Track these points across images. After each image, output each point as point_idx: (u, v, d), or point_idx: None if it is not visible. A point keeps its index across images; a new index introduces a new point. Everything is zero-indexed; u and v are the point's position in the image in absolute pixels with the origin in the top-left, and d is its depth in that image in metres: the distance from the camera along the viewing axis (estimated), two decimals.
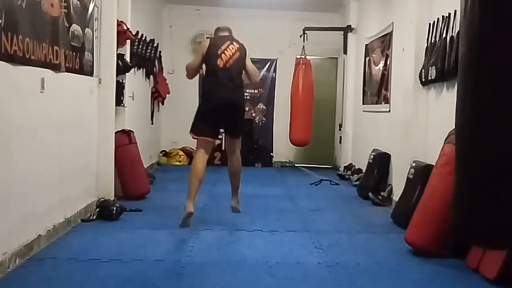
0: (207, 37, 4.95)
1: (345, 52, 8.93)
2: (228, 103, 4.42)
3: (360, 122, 8.20)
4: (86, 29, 4.67)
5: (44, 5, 3.71)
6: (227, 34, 4.66)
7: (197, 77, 4.92)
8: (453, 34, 4.51)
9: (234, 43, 4.54)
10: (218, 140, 4.62)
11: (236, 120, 4.62)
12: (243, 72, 4.61)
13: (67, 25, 4.20)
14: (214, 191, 5.33)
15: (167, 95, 9.16)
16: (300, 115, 8.41)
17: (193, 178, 4.41)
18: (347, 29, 8.73)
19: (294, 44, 9.10)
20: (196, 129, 4.52)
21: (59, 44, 4.00)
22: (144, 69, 7.88)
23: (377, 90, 7.08)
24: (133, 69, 6.57)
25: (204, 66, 4.59)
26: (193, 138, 4.57)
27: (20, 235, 3.50)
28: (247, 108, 9.94)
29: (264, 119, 10.05)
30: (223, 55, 4.40)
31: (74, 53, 4.35)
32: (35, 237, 3.72)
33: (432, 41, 4.99)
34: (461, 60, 2.33)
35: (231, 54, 4.43)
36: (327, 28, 8.93)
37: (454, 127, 2.46)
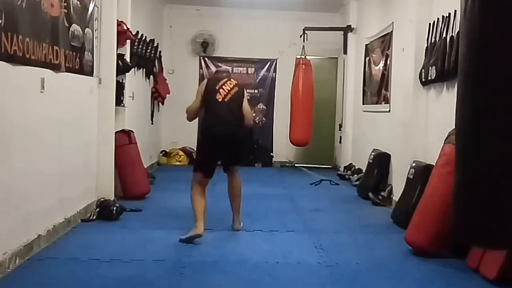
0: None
1: (345, 52, 8.93)
2: (229, 140, 4.39)
3: (360, 122, 8.20)
4: (86, 29, 4.67)
5: (44, 5, 3.71)
6: (224, 74, 4.68)
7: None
8: (453, 34, 4.51)
9: (231, 79, 4.55)
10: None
11: (237, 156, 4.62)
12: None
13: (67, 25, 4.20)
14: (214, 191, 5.31)
15: (167, 95, 9.16)
16: (300, 115, 8.41)
17: (197, 204, 4.29)
18: (347, 29, 8.73)
19: (294, 44, 9.10)
20: (202, 168, 4.40)
21: (59, 44, 4.00)
22: (144, 69, 7.88)
23: (377, 90, 7.08)
24: (133, 69, 6.58)
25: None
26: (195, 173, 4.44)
27: (20, 235, 3.51)
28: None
29: (264, 119, 10.05)
30: (221, 90, 4.39)
31: (74, 53, 4.35)
32: (35, 237, 3.72)
33: (432, 41, 4.98)
34: (461, 60, 2.32)
35: (229, 88, 4.41)
36: (327, 28, 8.93)
37: (454, 127, 2.46)
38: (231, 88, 4.42)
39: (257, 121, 9.98)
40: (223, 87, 4.41)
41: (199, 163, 4.52)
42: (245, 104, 4.53)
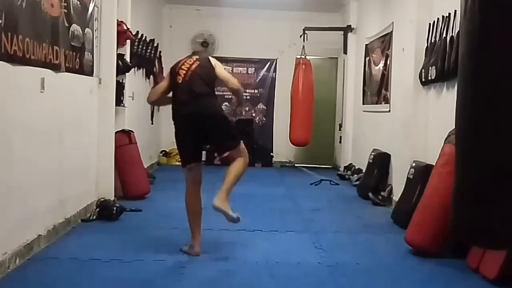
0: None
1: (345, 52, 8.94)
2: (196, 117, 3.96)
3: (360, 122, 8.20)
4: (86, 29, 4.67)
5: (44, 5, 3.71)
6: (190, 55, 4.33)
7: None
8: (453, 34, 4.52)
9: (192, 57, 4.20)
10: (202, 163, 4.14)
11: (216, 130, 4.04)
12: (214, 81, 4.17)
13: (67, 25, 4.20)
14: (214, 191, 5.28)
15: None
16: (300, 115, 8.42)
17: (192, 215, 3.96)
18: (347, 29, 8.73)
19: (294, 44, 9.11)
20: (181, 153, 4.11)
21: (59, 44, 4.00)
22: (144, 69, 7.88)
23: (377, 90, 7.08)
24: (133, 69, 6.57)
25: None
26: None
27: (20, 235, 3.50)
28: (247, 108, 9.93)
29: (264, 119, 10.05)
30: (180, 70, 4.07)
31: (74, 53, 4.35)
32: (35, 237, 3.72)
33: (432, 41, 4.99)
34: (461, 60, 2.33)
35: (188, 66, 4.07)
36: (327, 28, 8.93)
37: (454, 127, 2.46)
38: (191, 65, 4.08)
39: (257, 121, 10.00)
40: (182, 67, 4.08)
41: (178, 150, 4.17)
42: (220, 72, 4.18)
